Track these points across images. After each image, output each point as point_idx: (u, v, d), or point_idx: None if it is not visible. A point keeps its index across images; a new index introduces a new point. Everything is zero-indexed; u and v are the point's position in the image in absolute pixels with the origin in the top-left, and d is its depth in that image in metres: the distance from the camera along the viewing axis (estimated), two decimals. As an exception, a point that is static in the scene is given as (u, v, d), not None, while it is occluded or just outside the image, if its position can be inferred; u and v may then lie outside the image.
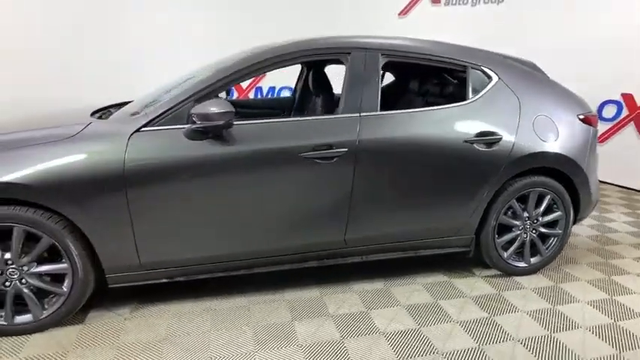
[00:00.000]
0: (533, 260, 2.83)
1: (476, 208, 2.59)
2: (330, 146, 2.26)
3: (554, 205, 2.77)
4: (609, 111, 5.02)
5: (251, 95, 6.47)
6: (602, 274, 2.90)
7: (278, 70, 2.41)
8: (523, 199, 2.71)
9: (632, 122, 4.84)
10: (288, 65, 2.42)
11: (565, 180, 2.73)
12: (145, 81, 5.02)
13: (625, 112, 4.88)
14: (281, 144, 2.22)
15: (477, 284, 2.73)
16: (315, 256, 2.48)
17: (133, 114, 2.28)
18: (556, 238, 2.83)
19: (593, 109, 3.04)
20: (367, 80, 2.40)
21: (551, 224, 2.81)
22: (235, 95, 6.40)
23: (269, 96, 6.43)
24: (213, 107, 2.02)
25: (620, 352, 2.11)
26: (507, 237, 2.74)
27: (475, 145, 2.48)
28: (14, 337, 2.11)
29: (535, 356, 2.07)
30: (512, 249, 2.77)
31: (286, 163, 2.23)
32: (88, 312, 2.33)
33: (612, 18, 4.80)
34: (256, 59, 2.29)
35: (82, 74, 5.53)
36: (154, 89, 2.84)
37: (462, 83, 2.92)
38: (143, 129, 2.11)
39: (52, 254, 2.11)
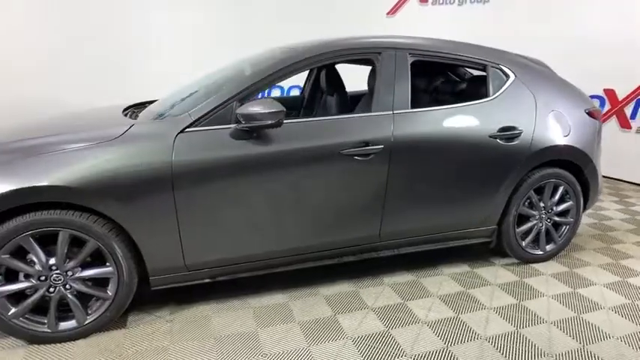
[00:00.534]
0: (548, 248, 2.99)
1: (500, 200, 2.72)
2: (366, 143, 2.33)
3: (567, 195, 2.93)
4: (593, 105, 5.30)
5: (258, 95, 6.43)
6: (609, 258, 3.09)
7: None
8: (538, 191, 2.86)
9: (614, 116, 5.14)
10: (321, 64, 2.46)
11: (575, 171, 2.90)
12: (144, 81, 5.00)
13: (607, 107, 5.17)
14: (324, 141, 2.27)
15: (499, 272, 2.86)
16: (352, 250, 2.54)
17: (160, 114, 2.28)
18: (568, 226, 3.00)
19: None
20: (398, 79, 2.48)
21: (563, 213, 2.97)
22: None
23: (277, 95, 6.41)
24: (264, 107, 2.04)
25: (643, 329, 2.29)
26: (525, 227, 2.88)
27: (499, 140, 2.60)
28: (59, 344, 2.07)
29: (571, 337, 2.20)
30: (529, 238, 2.91)
31: (328, 161, 2.27)
32: (127, 316, 2.30)
33: (594, 17, 5.07)
34: (295, 59, 2.31)
35: (83, 74, 5.39)
36: (175, 89, 2.82)
37: (474, 81, 3.06)
38: (187, 129, 2.10)
39: (95, 258, 2.08)
